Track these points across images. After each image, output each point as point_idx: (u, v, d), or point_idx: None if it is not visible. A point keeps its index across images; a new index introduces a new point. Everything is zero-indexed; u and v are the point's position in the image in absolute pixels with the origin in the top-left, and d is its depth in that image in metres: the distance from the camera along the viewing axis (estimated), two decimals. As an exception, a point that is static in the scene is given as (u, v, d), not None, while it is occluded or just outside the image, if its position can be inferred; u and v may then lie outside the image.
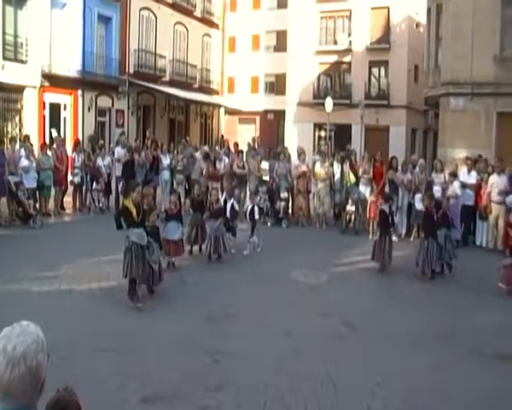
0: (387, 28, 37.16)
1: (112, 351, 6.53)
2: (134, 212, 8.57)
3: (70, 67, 24.79)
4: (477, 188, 14.57)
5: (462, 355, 7.05)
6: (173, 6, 33.94)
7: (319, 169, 16.23)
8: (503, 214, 13.56)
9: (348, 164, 16.17)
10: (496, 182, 14.10)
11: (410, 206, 14.99)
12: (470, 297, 9.72)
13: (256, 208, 13.10)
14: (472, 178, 14.70)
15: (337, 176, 16.31)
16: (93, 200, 16.94)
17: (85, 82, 26.15)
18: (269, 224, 15.77)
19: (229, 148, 19.47)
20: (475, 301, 9.51)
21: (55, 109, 25.28)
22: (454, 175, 14.56)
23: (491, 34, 20.43)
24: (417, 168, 15.40)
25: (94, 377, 5.72)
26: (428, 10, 25.13)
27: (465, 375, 6.45)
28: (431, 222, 11.02)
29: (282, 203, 16.21)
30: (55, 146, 17.05)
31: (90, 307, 8.19)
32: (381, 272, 11.08)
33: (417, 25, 36.59)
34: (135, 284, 8.48)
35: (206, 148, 19.90)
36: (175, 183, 17.80)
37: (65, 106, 25.97)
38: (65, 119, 26.00)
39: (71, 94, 25.93)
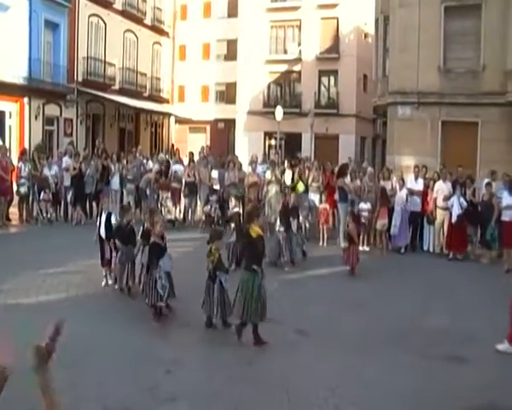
0: (337, 38, 37.84)
1: (60, 366, 6.36)
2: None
3: (15, 74, 24.16)
4: (423, 194, 14.98)
5: (412, 358, 7.21)
6: (123, 13, 33.63)
7: (270, 176, 16.36)
8: (448, 219, 14.06)
9: (297, 172, 16.36)
10: (441, 188, 14.55)
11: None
12: (418, 300, 9.95)
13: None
14: (419, 185, 15.09)
15: (288, 182, 16.49)
16: (40, 211, 16.49)
17: (32, 89, 25.56)
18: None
19: (179, 157, 19.31)
20: (423, 304, 9.74)
21: (0, 117, 24.62)
22: (403, 181, 14.93)
23: (436, 46, 21.14)
24: (366, 176, 15.71)
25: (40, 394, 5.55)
26: (376, 21, 25.73)
27: (415, 377, 6.59)
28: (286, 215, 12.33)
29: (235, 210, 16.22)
30: (-1, 155, 16.56)
31: (38, 321, 7.97)
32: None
33: (366, 35, 37.41)
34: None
35: (162, 155, 19.79)
36: (125, 192, 17.58)
37: (10, 114, 25.30)
38: (10, 127, 25.32)
39: (16, 101, 25.29)
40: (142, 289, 8.47)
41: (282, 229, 12.31)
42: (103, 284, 9.99)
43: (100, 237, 10.06)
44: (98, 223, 10.22)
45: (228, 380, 6.27)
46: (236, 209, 13.62)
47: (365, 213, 14.53)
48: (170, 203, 16.84)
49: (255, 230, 7.62)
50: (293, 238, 12.38)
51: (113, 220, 10.16)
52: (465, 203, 13.92)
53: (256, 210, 8.44)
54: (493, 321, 8.94)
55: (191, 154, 18.94)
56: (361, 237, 14.97)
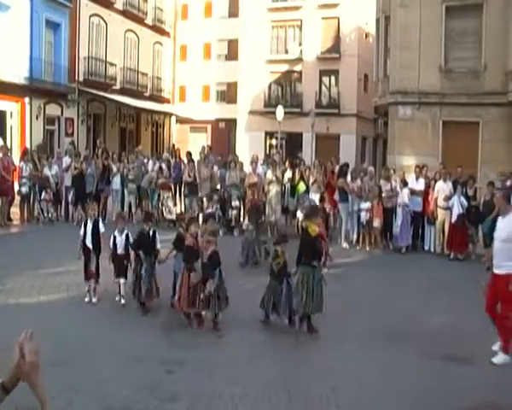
0: (338, 38, 37.85)
1: (61, 366, 6.38)
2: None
3: (16, 74, 24.18)
4: (424, 194, 14.97)
5: (413, 357, 7.21)
6: (124, 13, 33.63)
7: (270, 177, 16.37)
8: (449, 219, 14.07)
9: (298, 172, 16.36)
10: (441, 188, 14.54)
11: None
12: (419, 300, 9.95)
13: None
14: (420, 185, 15.08)
15: (289, 183, 16.51)
16: (42, 210, 16.50)
17: (33, 89, 25.57)
18: (221, 232, 15.73)
19: (180, 157, 19.25)
20: (424, 303, 9.74)
21: (1, 117, 24.62)
22: (405, 183, 14.92)
23: (437, 46, 21.14)
24: (367, 176, 15.70)
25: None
26: (377, 21, 25.73)
27: (416, 377, 6.59)
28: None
29: (234, 212, 16.23)
30: (0, 155, 16.55)
31: (39, 321, 7.97)
32: None
33: (367, 35, 37.41)
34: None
35: (167, 154, 19.80)
36: (126, 192, 17.58)
37: (11, 114, 25.31)
38: (11, 127, 25.32)
39: (18, 101, 25.29)
40: (178, 298, 8.10)
41: (250, 227, 12.32)
42: (87, 299, 8.98)
43: (84, 247, 9.19)
44: (83, 232, 9.26)
45: (228, 380, 6.28)
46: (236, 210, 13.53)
47: (364, 213, 14.55)
48: (171, 203, 16.85)
49: (313, 228, 7.94)
50: (260, 237, 12.54)
51: (102, 228, 9.33)
52: (466, 203, 13.92)
53: (315, 210, 8.75)
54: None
55: (189, 154, 18.77)
56: (361, 236, 15.03)
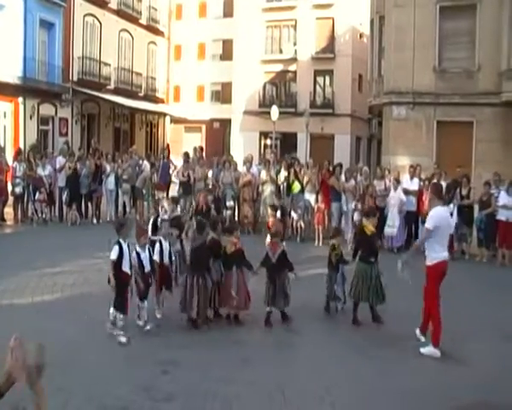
0: (332, 38, 37.91)
1: (56, 367, 6.35)
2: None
3: (10, 73, 24.10)
4: (419, 194, 15.01)
5: (407, 357, 7.24)
6: (118, 13, 33.59)
7: (265, 177, 16.37)
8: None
9: (293, 172, 16.36)
10: (436, 188, 14.55)
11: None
12: (412, 300, 9.95)
13: None
14: (414, 185, 15.12)
15: (284, 183, 16.50)
16: (35, 211, 16.44)
17: (27, 89, 25.50)
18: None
19: (168, 157, 19.05)
20: (417, 303, 9.73)
21: (-6, 117, 24.57)
22: (397, 181, 14.95)
23: (431, 47, 21.23)
24: (361, 176, 15.73)
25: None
26: (371, 22, 25.78)
27: (410, 376, 6.62)
28: None
29: (228, 212, 16.22)
30: (-6, 155, 16.52)
31: (33, 322, 7.95)
32: None
33: (361, 35, 37.49)
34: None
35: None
36: (120, 192, 17.56)
37: (5, 113, 25.23)
38: (5, 127, 25.24)
39: (11, 101, 25.22)
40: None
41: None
42: (124, 340, 7.32)
43: (121, 273, 7.42)
44: (117, 255, 7.37)
45: (223, 380, 6.28)
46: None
47: (357, 213, 14.53)
48: (166, 203, 16.79)
49: (369, 228, 8.53)
50: None
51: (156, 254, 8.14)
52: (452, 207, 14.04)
53: (372, 210, 9.37)
54: (488, 320, 8.99)
55: (186, 154, 18.71)
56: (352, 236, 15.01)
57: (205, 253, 8.03)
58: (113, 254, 7.39)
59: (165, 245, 8.26)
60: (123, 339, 7.26)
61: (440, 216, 7.51)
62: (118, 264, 7.36)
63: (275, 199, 16.31)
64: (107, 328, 7.45)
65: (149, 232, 9.92)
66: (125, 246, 7.46)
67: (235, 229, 8.67)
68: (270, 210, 13.66)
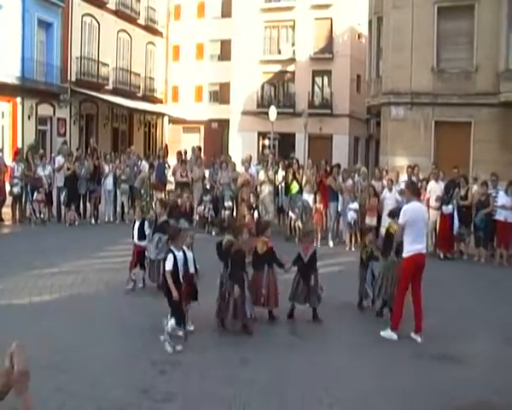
0: (330, 38, 37.92)
1: (54, 367, 6.35)
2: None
3: (8, 73, 24.08)
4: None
5: (405, 357, 7.24)
6: (117, 13, 33.58)
7: (263, 177, 16.38)
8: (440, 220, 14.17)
9: (291, 173, 16.38)
10: (433, 188, 14.61)
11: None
12: (410, 300, 9.95)
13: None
14: (412, 185, 15.10)
15: (282, 183, 16.53)
16: (34, 211, 16.41)
17: (25, 89, 25.49)
18: (213, 233, 15.73)
19: (164, 157, 19.02)
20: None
21: (-8, 117, 24.56)
22: (392, 182, 14.96)
23: (429, 47, 21.26)
24: (360, 176, 15.74)
25: (34, 396, 5.53)
26: (370, 22, 25.79)
27: (408, 376, 6.62)
28: None
29: (227, 212, 16.22)
30: (-8, 155, 16.50)
31: (31, 322, 7.95)
32: None
33: (359, 36, 37.50)
34: None
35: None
36: (118, 192, 17.55)
37: (3, 114, 25.22)
38: (3, 127, 25.23)
39: (9, 101, 25.21)
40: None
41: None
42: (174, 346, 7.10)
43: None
44: (172, 264, 7.14)
45: (222, 380, 6.27)
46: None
47: (352, 213, 14.55)
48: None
49: (394, 227, 8.68)
50: None
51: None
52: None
53: (397, 210, 9.23)
54: (485, 320, 9.01)
55: (179, 153, 18.75)
56: (348, 237, 15.02)
57: (243, 258, 8.02)
58: (169, 264, 7.09)
59: (189, 255, 7.69)
60: (179, 347, 7.06)
61: (413, 211, 7.92)
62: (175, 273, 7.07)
63: (273, 200, 16.36)
64: (161, 338, 7.14)
65: (135, 238, 10.02)
66: (178, 255, 7.22)
67: (266, 228, 8.83)
68: (246, 209, 14.11)
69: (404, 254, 7.87)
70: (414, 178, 15.28)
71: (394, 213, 9.08)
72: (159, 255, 9.21)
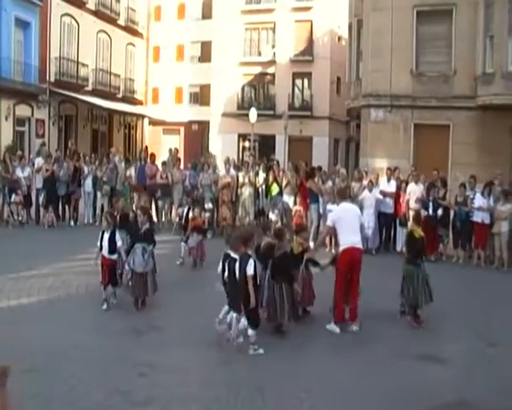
0: (311, 41, 38.02)
1: (32, 371, 6.28)
2: None
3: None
4: (396, 196, 15.13)
5: (387, 358, 7.29)
6: (96, 14, 33.35)
7: (242, 179, 16.38)
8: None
9: (271, 174, 16.40)
10: (413, 190, 14.74)
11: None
12: (391, 301, 10.03)
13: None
14: (391, 187, 15.24)
15: (263, 185, 16.54)
16: (11, 213, 16.21)
17: (2, 89, 25.18)
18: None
19: (145, 159, 18.87)
20: (397, 304, 9.83)
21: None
22: (372, 183, 15.06)
23: (408, 50, 21.44)
24: (339, 177, 15.81)
25: (12, 401, 5.46)
26: (350, 25, 25.92)
27: (390, 376, 6.66)
28: None
29: (207, 214, 16.16)
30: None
31: (9, 326, 7.84)
32: None
33: (339, 38, 37.66)
34: None
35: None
36: (99, 194, 17.39)
37: (-21, 114, 24.89)
38: (-20, 128, 24.90)
39: (-14, 102, 24.89)
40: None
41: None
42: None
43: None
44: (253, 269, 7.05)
45: (202, 382, 6.26)
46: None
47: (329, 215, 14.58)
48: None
49: (418, 231, 8.92)
50: None
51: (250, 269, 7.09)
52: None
53: (419, 216, 9.73)
54: (465, 321, 9.11)
55: (152, 155, 18.49)
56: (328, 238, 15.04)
57: (288, 261, 8.16)
58: (251, 269, 6.90)
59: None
60: (261, 351, 7.13)
61: (342, 210, 8.75)
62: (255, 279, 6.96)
63: (253, 202, 16.36)
64: (234, 341, 7.21)
65: (105, 251, 8.90)
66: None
67: (303, 230, 9.36)
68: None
69: (340, 249, 8.42)
70: (393, 180, 15.42)
71: (417, 219, 9.49)
72: (146, 267, 8.88)
